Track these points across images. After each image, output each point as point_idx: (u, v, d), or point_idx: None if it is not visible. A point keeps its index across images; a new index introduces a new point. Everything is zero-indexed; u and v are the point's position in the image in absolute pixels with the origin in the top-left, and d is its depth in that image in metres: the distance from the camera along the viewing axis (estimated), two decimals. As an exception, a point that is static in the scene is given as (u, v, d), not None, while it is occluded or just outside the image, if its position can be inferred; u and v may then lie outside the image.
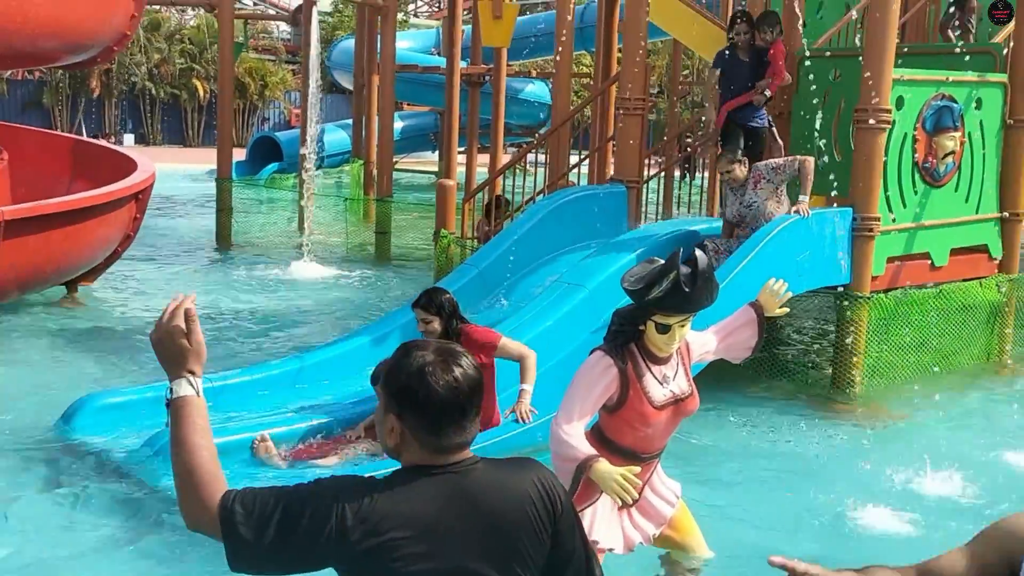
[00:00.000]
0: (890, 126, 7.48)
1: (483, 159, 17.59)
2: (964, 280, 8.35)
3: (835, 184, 7.79)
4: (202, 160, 22.51)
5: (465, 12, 18.49)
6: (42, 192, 10.09)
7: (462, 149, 17.37)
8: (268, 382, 6.59)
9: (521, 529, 2.22)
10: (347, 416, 6.00)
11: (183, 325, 2.22)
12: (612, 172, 9.47)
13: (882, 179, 7.55)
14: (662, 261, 3.99)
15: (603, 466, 3.82)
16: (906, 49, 8.76)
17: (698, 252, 3.98)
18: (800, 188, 7.27)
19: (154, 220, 14.52)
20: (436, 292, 5.80)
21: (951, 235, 8.28)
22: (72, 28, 9.27)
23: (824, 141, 8.06)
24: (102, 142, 18.05)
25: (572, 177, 10.91)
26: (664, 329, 3.93)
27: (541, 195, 9.97)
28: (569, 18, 10.19)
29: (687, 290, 3.85)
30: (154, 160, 21.59)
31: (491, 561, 2.20)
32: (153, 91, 35.97)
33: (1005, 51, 8.55)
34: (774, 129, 8.21)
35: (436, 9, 37.95)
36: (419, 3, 41.46)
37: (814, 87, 8.18)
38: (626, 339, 4.02)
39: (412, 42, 24.49)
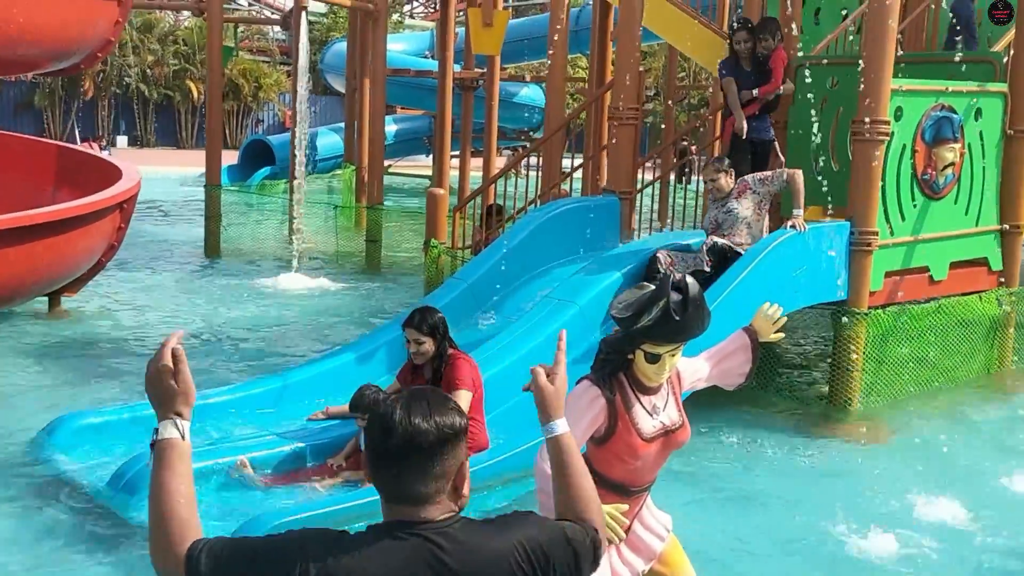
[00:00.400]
0: (888, 138, 7.32)
1: (477, 163, 17.44)
2: (964, 294, 8.19)
3: (830, 195, 7.64)
4: (195, 163, 22.30)
5: (459, 14, 18.32)
6: (25, 200, 9.90)
7: (456, 153, 17.22)
8: (250, 401, 6.43)
9: None
10: (328, 439, 5.83)
11: (171, 364, 2.17)
12: (605, 181, 9.31)
13: (880, 192, 7.40)
14: (651, 287, 3.82)
15: (590, 504, 3.65)
16: (904, 58, 8.60)
17: (689, 279, 3.81)
18: (792, 202, 7.10)
19: (142, 226, 14.37)
20: (428, 312, 5.63)
21: (950, 248, 8.12)
22: (54, 34, 9.09)
23: (821, 151, 7.90)
24: (90, 148, 17.89)
25: (568, 181, 10.72)
26: (654, 359, 3.76)
27: (534, 205, 9.81)
28: (563, 20, 10.02)
29: (677, 319, 3.68)
30: (147, 162, 21.49)
31: None
32: (146, 92, 35.80)
33: (1005, 60, 8.40)
34: (776, 143, 8.04)
35: (432, 10, 37.79)
36: (415, 4, 41.32)
37: (811, 95, 8.01)
38: (614, 368, 3.85)
39: (406, 44, 24.34)
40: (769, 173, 7.23)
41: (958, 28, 9.28)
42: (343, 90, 19.38)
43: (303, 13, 12.71)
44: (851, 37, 10.20)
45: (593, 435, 3.83)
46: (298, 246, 12.27)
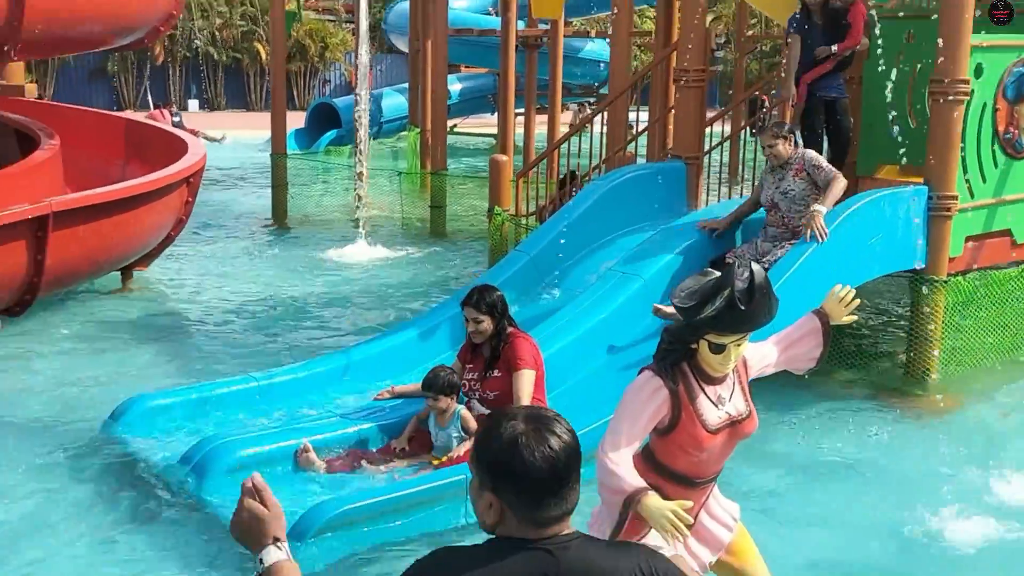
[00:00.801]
0: (968, 97, 6.98)
1: (542, 119, 17.24)
2: (1049, 257, 7.85)
3: (906, 153, 7.34)
4: (264, 125, 22.45)
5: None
6: (97, 175, 10.06)
7: (520, 111, 17.03)
8: (314, 380, 6.43)
9: None
10: (394, 419, 5.80)
11: (255, 500, 2.13)
12: (672, 143, 9.09)
13: (960, 153, 7.08)
14: (716, 274, 3.69)
15: (653, 501, 3.54)
16: (980, 12, 8.19)
17: (755, 266, 3.66)
18: (821, 198, 6.61)
19: (211, 195, 14.49)
20: (487, 290, 5.60)
21: (1035, 210, 7.77)
22: (118, 12, 9.14)
23: (895, 108, 7.57)
24: (161, 115, 18.09)
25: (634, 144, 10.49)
26: (719, 349, 3.64)
27: (598, 171, 9.63)
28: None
29: (743, 308, 3.54)
30: (216, 126, 21.66)
31: None
32: (215, 55, 36.08)
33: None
34: (847, 103, 7.68)
35: (496, -35, 37.32)
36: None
37: (886, 50, 7.66)
38: (677, 358, 3.73)
39: (469, 2, 24.07)
40: (824, 164, 6.77)
41: None
42: (407, 50, 19.28)
43: (364, -23, 12.59)
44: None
45: (656, 426, 3.72)
46: (363, 214, 12.28)
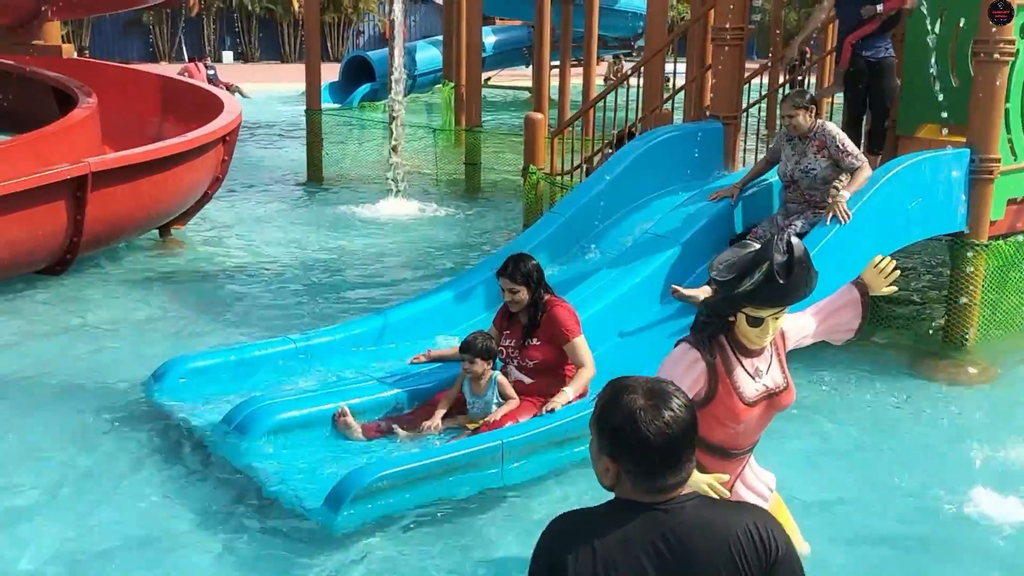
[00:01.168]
0: (1013, 57, 6.83)
1: (577, 72, 17.06)
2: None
3: (948, 113, 7.21)
4: (297, 78, 22.45)
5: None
6: (133, 133, 10.13)
7: (556, 64, 16.87)
8: (351, 341, 6.47)
9: (721, 570, 2.23)
10: (431, 383, 5.84)
11: None
12: (709, 103, 8.97)
13: (1003, 114, 6.95)
14: (754, 247, 3.67)
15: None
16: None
17: (794, 240, 3.64)
18: (844, 181, 6.44)
19: (246, 150, 14.54)
20: (522, 260, 5.60)
21: (1080, 172, 7.61)
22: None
23: (938, 65, 7.42)
24: (196, 68, 18.10)
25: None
26: (756, 322, 3.64)
27: (636, 129, 9.55)
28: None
29: (782, 282, 3.53)
30: (250, 79, 21.64)
31: None
32: (249, 6, 36.00)
33: None
34: (894, 64, 7.49)
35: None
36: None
37: (929, 7, 7.49)
38: (714, 331, 3.73)
39: (504, -48, 23.79)
40: (850, 149, 6.48)
41: None
42: (440, 0, 19.12)
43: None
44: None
45: (693, 398, 3.73)
46: (398, 171, 12.28)
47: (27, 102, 10.46)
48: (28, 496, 4.97)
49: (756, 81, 10.65)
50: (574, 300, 6.29)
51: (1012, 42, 6.75)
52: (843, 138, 6.50)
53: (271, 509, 4.88)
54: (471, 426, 5.47)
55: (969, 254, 6.90)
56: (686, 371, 3.70)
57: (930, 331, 7.43)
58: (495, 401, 5.54)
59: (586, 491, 5.13)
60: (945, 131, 7.56)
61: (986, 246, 6.90)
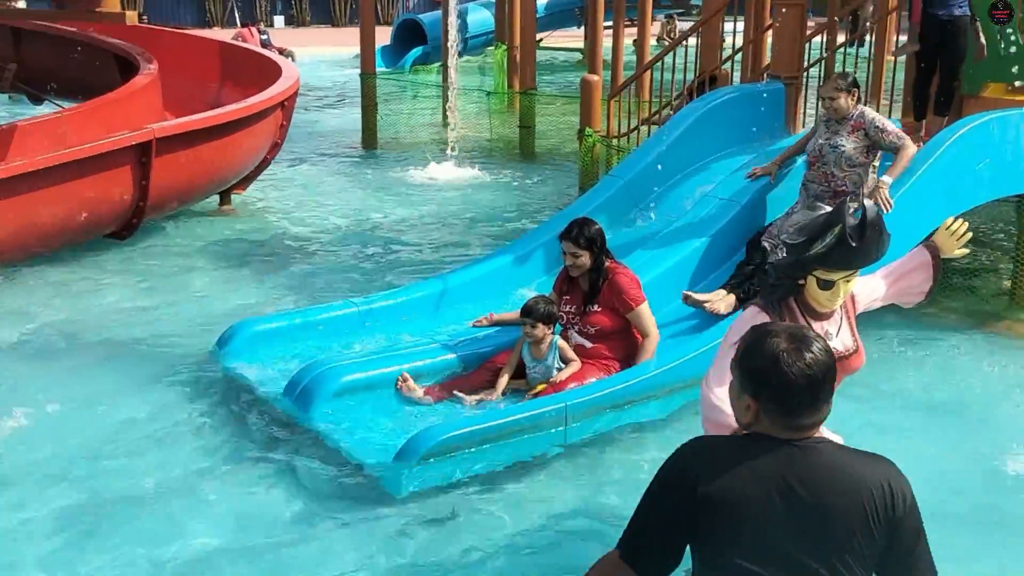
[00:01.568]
0: (1088, 13, 6.66)
1: (630, 32, 16.91)
2: None
3: (1018, 70, 7.03)
4: (348, 41, 22.47)
5: None
6: (192, 99, 10.23)
7: (609, 24, 16.70)
8: (414, 304, 6.53)
9: (852, 519, 2.32)
10: (491, 347, 5.89)
11: None
12: (769, 62, 8.85)
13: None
14: (826, 209, 3.65)
15: (757, 436, 3.58)
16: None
17: (867, 202, 3.61)
18: (889, 168, 6.14)
19: (300, 115, 14.61)
20: (586, 224, 5.60)
21: None
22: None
23: (1009, 29, 7.24)
24: (249, 33, 18.19)
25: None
26: (827, 285, 3.62)
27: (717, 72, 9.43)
28: None
29: (854, 245, 3.51)
30: (302, 43, 21.70)
31: (815, 550, 2.32)
32: (300, -30, 35.98)
33: None
34: (977, 23, 7.23)
35: None
36: None
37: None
38: (784, 294, 3.72)
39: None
40: (890, 127, 6.21)
41: None
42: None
43: None
44: None
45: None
46: (453, 134, 12.29)
47: (90, 70, 10.59)
48: (102, 459, 5.09)
49: (816, 40, 10.44)
50: (634, 263, 6.29)
51: (1086, -2, 6.57)
52: (883, 120, 6.29)
53: (336, 469, 4.96)
54: (539, 387, 5.49)
55: (1038, 215, 6.78)
56: (755, 335, 3.69)
57: (997, 293, 7.31)
58: (556, 365, 5.57)
59: (651, 452, 5.17)
60: (1018, 83, 7.36)
61: (1056, 208, 6.77)
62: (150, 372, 6.10)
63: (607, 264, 5.61)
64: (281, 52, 16.45)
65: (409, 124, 14.53)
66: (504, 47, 16.10)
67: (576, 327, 5.69)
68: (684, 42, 9.80)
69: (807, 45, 8.43)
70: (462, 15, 20.26)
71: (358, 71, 13.74)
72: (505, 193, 10.72)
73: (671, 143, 7.51)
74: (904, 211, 6.04)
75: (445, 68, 14.26)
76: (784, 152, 6.98)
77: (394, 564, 4.24)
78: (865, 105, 6.43)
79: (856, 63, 10.31)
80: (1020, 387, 5.90)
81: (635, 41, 19.13)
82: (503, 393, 5.55)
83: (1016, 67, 7.09)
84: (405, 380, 5.51)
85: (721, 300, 6.06)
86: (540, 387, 5.48)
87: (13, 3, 17.11)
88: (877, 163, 6.34)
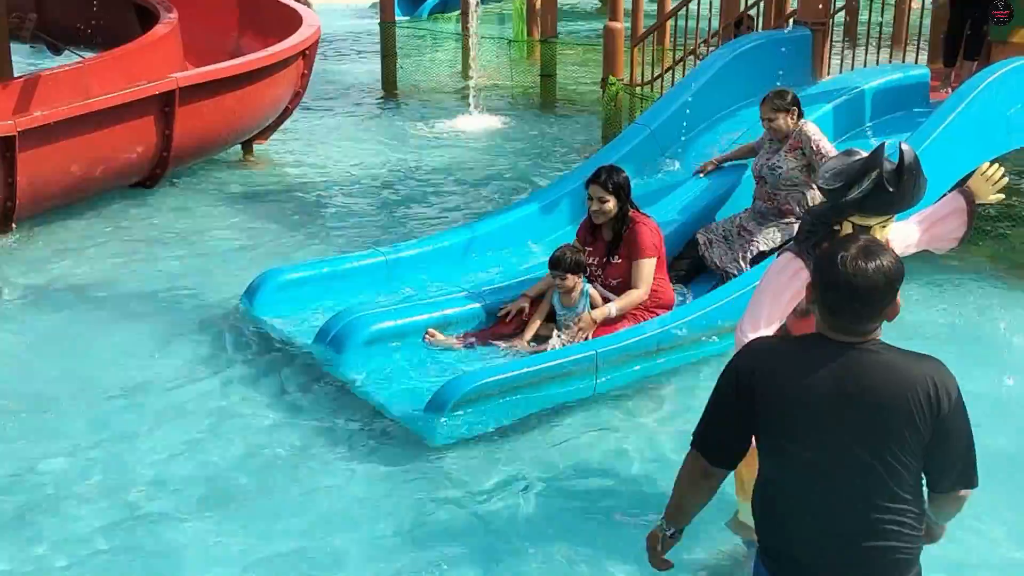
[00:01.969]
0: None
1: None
2: None
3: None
4: (363, -10, 22.28)
5: None
6: (212, 49, 10.17)
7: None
8: (440, 253, 6.55)
9: (898, 413, 2.46)
10: (520, 292, 5.90)
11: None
12: (794, 8, 8.73)
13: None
14: (863, 153, 3.61)
15: (792, 381, 3.59)
16: None
17: (904, 146, 3.58)
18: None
19: (318, 64, 14.52)
20: (615, 170, 5.61)
21: None
22: None
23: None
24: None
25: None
26: (863, 231, 3.59)
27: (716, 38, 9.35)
28: None
29: (891, 190, 3.48)
30: (316, -5, 21.42)
31: (864, 441, 2.48)
32: (313, -81, 35.65)
33: None
34: None
35: None
36: None
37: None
38: (819, 240, 3.70)
39: None
40: (827, 149, 5.85)
41: None
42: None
43: None
44: None
45: (796, 308, 3.73)
46: (474, 83, 12.20)
47: (110, 19, 10.53)
48: (135, 410, 5.17)
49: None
50: (660, 212, 6.29)
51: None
52: (820, 140, 5.94)
53: (368, 418, 5.02)
54: (586, 328, 5.45)
55: (1069, 163, 6.71)
56: (790, 280, 3.70)
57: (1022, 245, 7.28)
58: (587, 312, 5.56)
59: (678, 400, 5.20)
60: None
61: (1087, 154, 6.70)
62: (177, 323, 6.15)
63: (631, 214, 5.59)
64: (298, 1, 16.30)
65: (429, 73, 14.43)
66: (523, -6, 15.92)
67: (599, 280, 5.67)
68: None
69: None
70: (479, -38, 20.00)
71: (374, 20, 13.62)
72: (527, 142, 10.67)
73: (697, 91, 7.46)
74: (935, 158, 5.98)
75: (465, 16, 14.12)
76: (726, 154, 6.73)
77: (425, 512, 4.30)
78: (805, 121, 6.09)
79: (883, 9, 10.14)
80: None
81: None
82: (521, 344, 5.55)
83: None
84: (433, 336, 5.53)
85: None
86: (581, 330, 5.44)
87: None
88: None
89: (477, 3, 13.07)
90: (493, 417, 4.86)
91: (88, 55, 9.19)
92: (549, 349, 5.37)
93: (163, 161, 8.52)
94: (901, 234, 3.95)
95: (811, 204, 5.77)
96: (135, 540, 4.12)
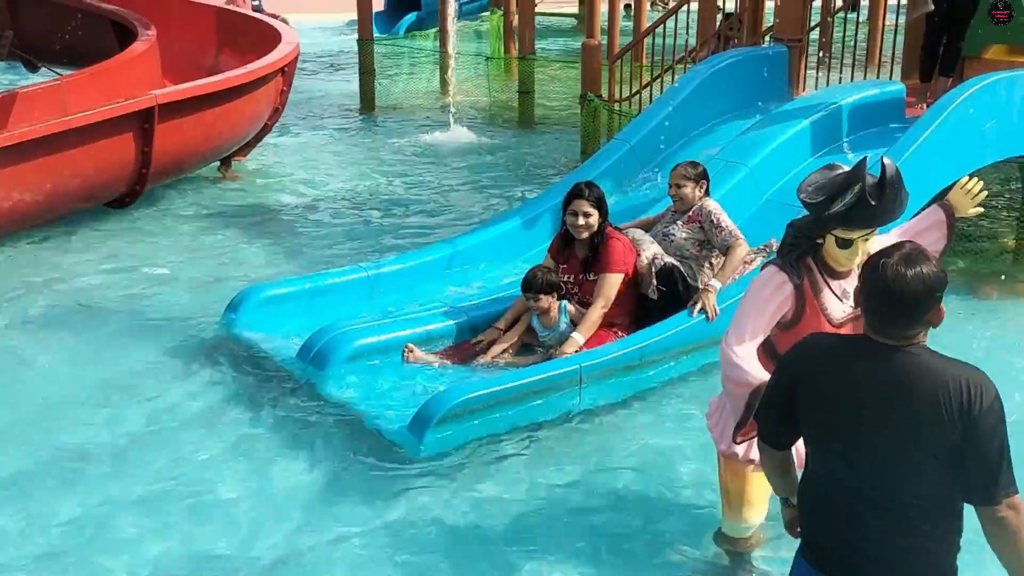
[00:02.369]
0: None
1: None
2: None
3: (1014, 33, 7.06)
4: (339, 8, 22.26)
5: None
6: (191, 65, 10.16)
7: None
8: (421, 269, 6.55)
9: (927, 409, 2.52)
10: (501, 310, 5.91)
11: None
12: (769, 26, 8.82)
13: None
14: (844, 168, 3.65)
15: (778, 393, 3.62)
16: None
17: (886, 160, 3.62)
18: (719, 271, 5.67)
19: (296, 82, 14.51)
20: (593, 185, 5.62)
21: None
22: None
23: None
24: (239, 6, 18.00)
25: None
26: (846, 244, 3.63)
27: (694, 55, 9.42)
28: None
29: (873, 203, 3.51)
30: (293, 9, 21.51)
31: (899, 438, 2.57)
32: (289, -63, 35.66)
33: None
34: None
35: None
36: None
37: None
38: (802, 253, 3.74)
39: None
40: (725, 224, 5.72)
41: None
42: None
43: None
44: None
45: (780, 320, 3.76)
46: (453, 100, 12.23)
47: (87, 37, 10.50)
48: (117, 427, 5.11)
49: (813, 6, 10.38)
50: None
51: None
52: (720, 215, 5.75)
53: (352, 433, 5.00)
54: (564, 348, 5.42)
55: (1043, 176, 6.81)
56: (774, 293, 3.72)
57: (1001, 252, 7.36)
58: (570, 329, 5.56)
59: (662, 413, 5.21)
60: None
61: (1060, 168, 6.81)
62: (158, 340, 6.10)
63: (607, 229, 5.61)
64: (275, 18, 16.30)
65: (407, 90, 14.46)
66: (500, 13, 16.02)
67: (576, 297, 5.67)
68: (686, 5, 9.77)
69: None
70: (457, -20, 20.09)
71: (350, 37, 13.65)
72: (507, 158, 10.70)
73: (677, 106, 7.51)
74: (912, 172, 6.05)
75: (443, 33, 14.17)
76: (635, 222, 6.29)
77: (411, 526, 4.28)
78: (709, 197, 5.91)
79: (856, 28, 10.28)
80: (1011, 345, 5.95)
81: (627, 6, 19.11)
82: (504, 358, 5.55)
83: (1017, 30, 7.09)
84: (411, 351, 5.52)
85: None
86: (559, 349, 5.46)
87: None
88: (716, 261, 5.80)
89: (454, 20, 13.12)
90: (478, 431, 4.85)
91: (65, 72, 9.15)
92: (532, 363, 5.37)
93: (142, 178, 8.48)
94: (883, 247, 3.99)
95: (699, 281, 5.72)
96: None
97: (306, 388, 5.39)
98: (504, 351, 5.57)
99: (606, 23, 11.70)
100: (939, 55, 7.57)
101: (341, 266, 6.77)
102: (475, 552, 4.12)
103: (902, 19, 8.64)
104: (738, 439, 3.79)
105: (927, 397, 2.53)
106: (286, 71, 9.81)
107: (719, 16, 10.50)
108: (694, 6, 9.93)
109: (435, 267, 6.60)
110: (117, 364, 5.79)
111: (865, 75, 8.67)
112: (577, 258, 5.66)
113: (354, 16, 13.71)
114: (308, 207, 9.01)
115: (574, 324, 5.56)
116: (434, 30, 16.70)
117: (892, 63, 8.87)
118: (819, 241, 3.68)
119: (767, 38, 8.56)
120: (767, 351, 3.84)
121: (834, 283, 3.73)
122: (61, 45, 10.64)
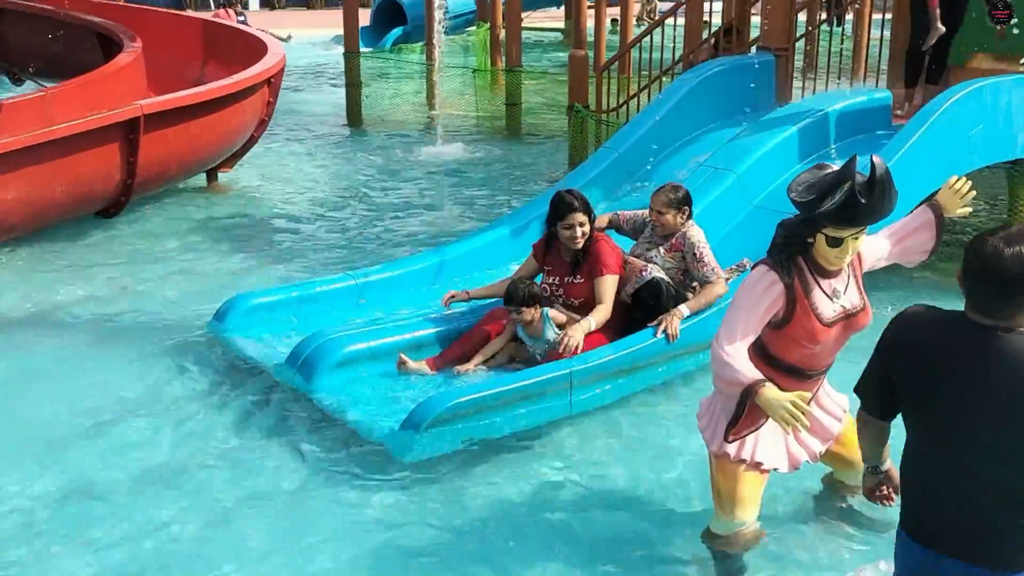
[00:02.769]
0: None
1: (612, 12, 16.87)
2: None
3: (1004, 41, 7.11)
4: (325, 24, 22.34)
5: None
6: (176, 77, 10.14)
7: (592, 3, 16.69)
8: (410, 277, 6.52)
9: (1019, 392, 2.50)
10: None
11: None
12: (756, 36, 8.87)
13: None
14: (834, 167, 3.65)
15: (771, 392, 3.59)
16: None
17: (876, 159, 3.63)
18: (692, 299, 5.55)
19: (282, 95, 14.51)
20: (577, 192, 5.62)
21: None
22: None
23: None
24: (226, 15, 18.04)
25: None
26: (836, 243, 3.63)
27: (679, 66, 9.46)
28: None
29: (863, 202, 3.52)
30: (277, 25, 21.57)
31: (991, 419, 2.55)
32: (275, -48, 35.70)
33: None
34: None
35: None
36: None
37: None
38: (793, 252, 3.73)
39: None
40: (707, 259, 5.56)
41: None
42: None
43: None
44: None
45: (770, 320, 3.75)
46: (439, 112, 12.25)
47: (73, 48, 10.49)
48: (108, 435, 5.07)
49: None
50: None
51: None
52: (703, 248, 5.58)
53: (342, 439, 4.96)
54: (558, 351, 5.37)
55: (1028, 182, 6.85)
56: (764, 293, 3.71)
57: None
58: (555, 338, 5.52)
59: (655, 417, 5.20)
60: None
61: (1046, 174, 6.85)
62: (145, 350, 6.05)
63: (593, 232, 5.59)
64: (286, 40, 16.26)
65: (394, 103, 14.47)
66: (487, 26, 16.06)
67: (560, 300, 5.64)
68: (672, 19, 9.81)
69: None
70: (443, -5, 20.16)
71: (336, 52, 13.66)
72: (494, 169, 10.70)
73: (664, 115, 7.54)
74: (899, 177, 6.05)
75: (429, 47, 14.20)
76: (482, 288, 6.12)
77: (401, 531, 4.25)
78: (692, 223, 5.69)
79: (842, 40, 10.39)
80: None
81: (613, 20, 19.21)
82: (495, 363, 5.52)
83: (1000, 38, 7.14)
84: (403, 363, 5.48)
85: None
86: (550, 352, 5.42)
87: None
88: (696, 286, 5.64)
89: (441, 33, 13.15)
90: (467, 436, 4.82)
91: (50, 85, 9.12)
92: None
93: (127, 189, 8.45)
94: (872, 247, 3.99)
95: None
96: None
97: (294, 395, 5.35)
98: (493, 356, 5.54)
99: (592, 37, 11.73)
100: (923, 62, 7.61)
101: (330, 274, 6.73)
102: (466, 556, 4.09)
103: (887, 33, 8.69)
104: (729, 438, 3.79)
105: (1022, 380, 2.52)
106: (272, 82, 9.80)
107: (704, 32, 10.56)
108: (680, 20, 9.99)
109: (424, 275, 6.57)
110: (102, 375, 5.74)
111: (851, 85, 8.72)
112: (564, 261, 5.63)
113: (340, 31, 13.73)
114: (293, 219, 8.99)
115: (560, 328, 5.52)
116: (420, 43, 16.74)
117: (877, 75, 8.93)
118: (809, 240, 3.68)
119: (753, 48, 8.60)
120: (758, 351, 3.83)
121: (824, 282, 3.73)
122: (46, 58, 10.62)
